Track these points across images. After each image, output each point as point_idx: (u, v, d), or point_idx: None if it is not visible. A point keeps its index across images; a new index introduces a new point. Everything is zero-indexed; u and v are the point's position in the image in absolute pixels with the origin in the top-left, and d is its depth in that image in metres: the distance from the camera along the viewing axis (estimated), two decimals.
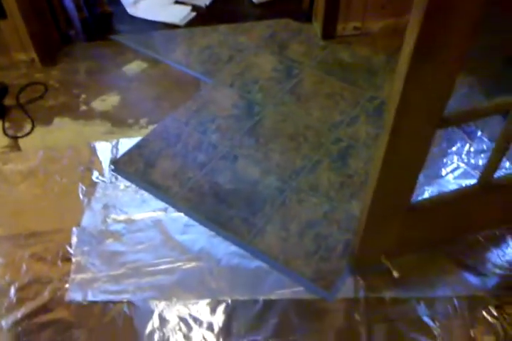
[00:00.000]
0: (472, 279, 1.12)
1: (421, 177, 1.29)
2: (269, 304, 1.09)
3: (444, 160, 1.38)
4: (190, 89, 1.62)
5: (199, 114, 1.53)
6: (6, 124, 1.51)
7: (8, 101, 1.57)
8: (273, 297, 1.10)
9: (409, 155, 0.79)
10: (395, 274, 1.04)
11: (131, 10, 1.92)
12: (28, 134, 1.49)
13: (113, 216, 1.26)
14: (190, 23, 1.90)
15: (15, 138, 1.47)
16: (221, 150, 1.41)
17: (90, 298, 1.10)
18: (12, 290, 1.12)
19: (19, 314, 1.08)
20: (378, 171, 0.78)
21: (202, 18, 1.92)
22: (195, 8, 1.96)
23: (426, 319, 1.06)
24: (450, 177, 1.35)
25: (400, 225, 0.96)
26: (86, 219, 1.25)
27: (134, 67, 1.70)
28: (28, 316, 1.08)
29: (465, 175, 1.34)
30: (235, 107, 1.55)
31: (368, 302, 1.09)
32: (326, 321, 1.05)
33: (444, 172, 1.36)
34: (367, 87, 1.58)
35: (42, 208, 1.29)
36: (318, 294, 1.11)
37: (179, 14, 1.90)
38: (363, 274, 1.13)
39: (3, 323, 1.06)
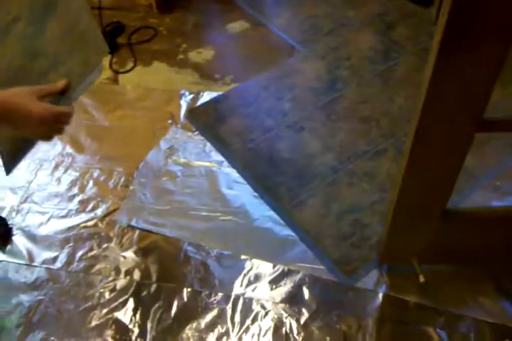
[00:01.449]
0: (509, 307, 0.98)
1: (491, 191, 1.16)
2: (286, 273, 1.09)
3: None
4: (282, 56, 1.60)
5: (281, 80, 1.51)
6: (114, 59, 1.66)
7: (121, 39, 1.71)
8: (292, 267, 1.09)
9: (438, 155, 0.69)
10: (421, 279, 0.97)
11: None
12: (128, 71, 1.61)
13: (174, 158, 1.34)
14: None
15: (117, 72, 1.61)
16: (289, 119, 1.39)
17: (133, 223, 1.20)
18: (75, 201, 1.27)
19: (75, 221, 1.23)
20: (404, 166, 0.71)
21: None
22: None
23: (441, 333, 0.97)
24: None
25: (433, 230, 0.87)
26: (151, 155, 1.35)
27: (237, 25, 1.72)
28: (82, 225, 1.22)
29: None
30: (318, 80, 1.50)
31: (385, 299, 1.03)
32: (336, 305, 1.02)
33: None
34: None
35: (119, 138, 1.42)
36: (337, 277, 1.07)
37: None
38: (389, 271, 1.06)
39: (62, 225, 1.22)
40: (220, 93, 1.49)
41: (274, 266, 1.10)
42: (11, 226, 1.23)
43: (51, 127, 0.69)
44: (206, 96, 1.49)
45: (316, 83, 1.49)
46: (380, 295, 1.02)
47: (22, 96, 0.65)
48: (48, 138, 0.71)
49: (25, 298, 1.09)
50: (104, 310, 1.06)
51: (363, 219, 1.15)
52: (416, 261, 0.97)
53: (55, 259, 1.15)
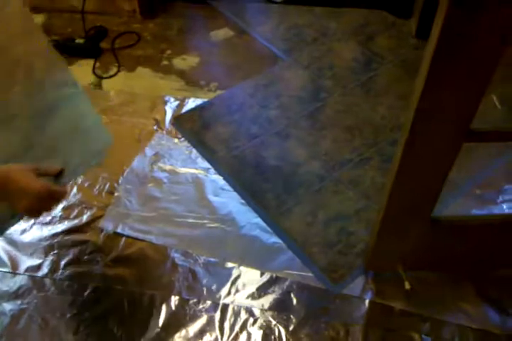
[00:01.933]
0: (492, 314, 1.03)
1: (471, 199, 1.21)
2: (274, 280, 1.10)
3: (506, 187, 1.26)
4: (266, 64, 1.62)
5: (266, 88, 1.53)
6: (97, 64, 1.63)
7: (105, 44, 1.69)
8: (280, 275, 1.10)
9: (427, 164, 0.72)
10: (407, 286, 1.00)
11: None
12: (112, 76, 1.60)
13: (160, 164, 1.33)
14: (288, 1, 1.87)
15: (100, 77, 1.59)
16: (275, 127, 1.41)
17: (119, 230, 1.19)
18: (59, 207, 1.24)
19: (60, 228, 1.20)
20: (394, 173, 0.73)
21: None
22: None
23: (426, 339, 1.00)
24: (505, 206, 1.23)
25: (419, 237, 0.90)
26: (137, 162, 1.34)
27: (221, 33, 1.73)
28: (66, 232, 1.19)
29: None
30: (302, 89, 1.53)
31: (372, 305, 1.05)
32: (323, 312, 1.04)
33: (500, 199, 1.24)
34: None
35: None
36: (324, 284, 1.09)
37: None
38: (375, 278, 1.09)
39: (45, 232, 1.19)
40: (206, 100, 1.50)
41: (261, 274, 1.11)
42: None
43: (44, 204, 0.71)
44: (191, 103, 1.49)
45: (300, 92, 1.52)
46: (367, 302, 1.05)
47: (22, 171, 0.68)
48: (37, 214, 0.73)
49: (8, 306, 1.06)
50: (90, 318, 1.04)
51: (348, 226, 1.18)
52: (401, 267, 1.00)
53: (39, 267, 1.13)
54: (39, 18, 1.81)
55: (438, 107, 0.62)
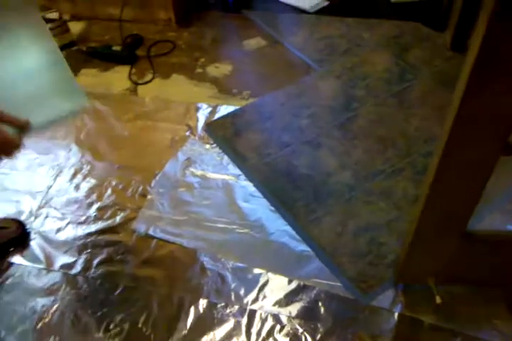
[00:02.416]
0: None
1: (507, 214, 1.20)
2: (302, 288, 1.12)
3: None
4: (298, 73, 1.66)
5: (298, 97, 1.57)
6: (133, 70, 1.71)
7: (141, 51, 1.78)
8: (308, 283, 1.12)
9: (463, 177, 0.73)
10: (438, 300, 1.00)
11: None
12: (147, 83, 1.67)
13: (192, 169, 1.38)
14: (320, 11, 1.92)
15: (136, 83, 1.67)
16: (307, 136, 1.45)
17: (150, 232, 1.23)
18: (94, 208, 1.31)
19: (93, 228, 1.26)
20: (429, 184, 0.75)
21: (333, 8, 1.93)
22: None
23: None
24: None
25: (452, 251, 0.91)
26: (169, 166, 1.39)
27: (253, 42, 1.79)
28: (100, 232, 1.25)
29: None
30: (334, 99, 1.56)
31: (401, 318, 1.06)
32: (351, 322, 1.05)
33: None
34: None
35: (138, 148, 1.46)
36: (353, 294, 1.11)
37: (311, 1, 1.94)
38: (405, 290, 1.10)
39: (80, 232, 1.25)
40: (238, 107, 1.55)
41: (289, 281, 1.13)
42: (29, 230, 1.26)
43: None
44: (223, 110, 1.55)
45: (332, 102, 1.55)
46: (396, 315, 1.06)
47: None
48: None
49: (41, 302, 1.12)
50: (120, 317, 1.08)
51: (379, 237, 1.19)
52: (433, 281, 1.01)
53: (72, 265, 1.18)
54: (79, 26, 1.92)
55: (476, 119, 0.63)
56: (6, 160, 0.71)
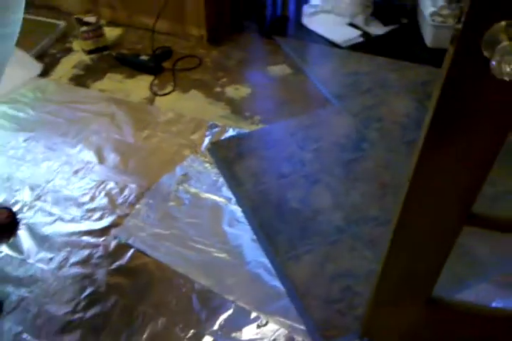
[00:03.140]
0: None
1: (497, 286, 1.17)
2: (264, 325, 1.13)
3: None
4: (314, 106, 1.70)
5: (308, 130, 1.61)
6: (155, 81, 1.81)
7: (167, 64, 1.87)
8: (271, 321, 1.13)
9: (421, 247, 0.73)
10: None
11: (306, 20, 2.08)
12: (165, 94, 1.76)
13: (186, 185, 1.44)
14: (353, 47, 1.97)
15: (155, 94, 1.76)
16: (307, 170, 1.47)
17: (130, 241, 1.28)
18: (84, 208, 1.38)
19: (78, 228, 1.33)
20: (388, 247, 0.75)
21: (367, 45, 1.98)
22: (365, 34, 2.03)
23: None
24: None
25: (416, 315, 0.90)
26: (165, 179, 1.45)
27: (277, 69, 1.86)
28: (83, 233, 1.31)
29: None
30: (345, 136, 1.59)
31: None
32: None
33: None
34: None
35: (141, 156, 1.53)
36: (315, 340, 1.11)
37: (345, 36, 1.99)
38: None
39: (65, 229, 1.32)
40: (246, 131, 1.60)
41: (254, 315, 1.14)
42: (18, 220, 1.33)
43: None
44: (231, 132, 1.60)
45: (342, 139, 1.58)
46: None
47: None
48: None
49: (13, 291, 1.18)
50: (80, 319, 1.12)
51: (355, 286, 1.19)
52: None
53: (50, 260, 1.24)
54: (116, 32, 2.05)
55: (433, 187, 0.64)
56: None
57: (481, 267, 1.22)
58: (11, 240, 1.29)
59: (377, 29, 2.03)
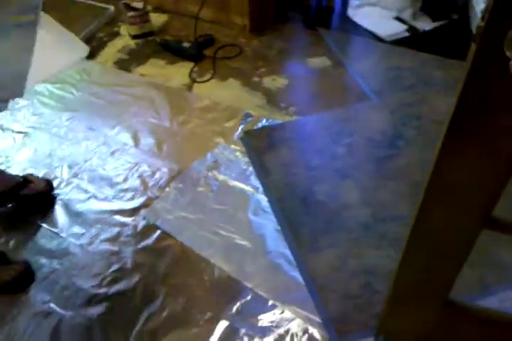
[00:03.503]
0: None
1: None
2: (280, 313, 1.13)
3: None
4: (351, 100, 1.67)
5: (344, 123, 1.58)
6: (195, 68, 1.83)
7: (208, 52, 1.89)
8: (288, 310, 1.13)
9: (438, 249, 0.70)
10: None
11: (351, 12, 2.03)
12: (204, 82, 1.77)
13: (215, 172, 1.45)
14: (397, 41, 1.91)
15: (194, 81, 1.78)
16: (337, 164, 1.45)
17: (158, 223, 1.32)
18: (117, 188, 1.42)
19: (110, 207, 1.37)
20: (406, 246, 0.72)
21: (412, 40, 1.90)
22: (411, 29, 1.95)
23: None
24: None
25: (432, 318, 0.87)
26: (196, 164, 1.47)
27: (317, 61, 1.82)
28: (114, 212, 1.36)
29: None
30: (380, 133, 1.54)
31: None
32: None
33: None
34: None
35: (175, 141, 1.56)
36: (329, 334, 1.10)
37: (391, 30, 1.93)
38: None
39: (97, 207, 1.37)
40: (280, 122, 1.59)
41: (271, 304, 1.14)
42: (55, 195, 1.40)
43: None
44: (265, 122, 1.60)
45: (377, 135, 1.53)
46: None
47: None
48: None
49: (45, 262, 1.24)
50: (105, 294, 1.17)
51: (376, 284, 1.16)
52: None
53: (81, 235, 1.30)
54: (162, 18, 2.08)
55: (453, 186, 0.61)
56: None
57: (508, 273, 1.16)
58: (47, 214, 1.36)
59: (425, 24, 1.95)
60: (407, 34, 1.93)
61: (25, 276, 1.18)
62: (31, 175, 1.41)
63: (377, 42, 1.90)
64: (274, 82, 1.75)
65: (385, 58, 1.83)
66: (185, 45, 1.85)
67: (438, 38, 1.91)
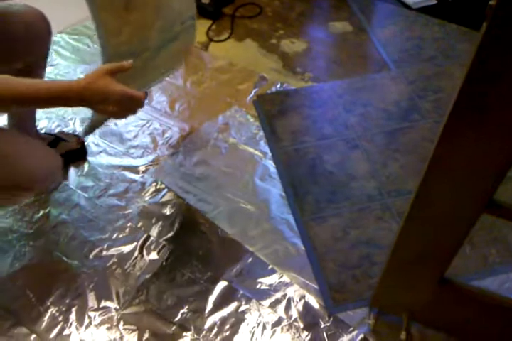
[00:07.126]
0: None
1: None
2: (279, 278, 1.06)
3: None
4: (370, 68, 1.51)
5: (358, 93, 1.43)
6: (213, 26, 1.66)
7: (227, 10, 1.70)
8: (286, 275, 1.07)
9: (435, 227, 0.63)
10: (402, 336, 0.90)
11: None
12: (221, 41, 1.61)
13: (225, 135, 1.34)
14: (424, 9, 1.70)
15: (211, 40, 1.61)
16: (348, 134, 1.33)
17: (165, 181, 1.23)
18: (127, 144, 1.33)
19: (120, 162, 1.29)
20: (404, 220, 0.65)
21: (440, 9, 1.69)
22: None
23: None
24: None
25: (427, 294, 0.80)
26: (206, 126, 1.36)
27: (339, 25, 1.64)
28: (124, 167, 1.28)
29: None
30: (395, 104, 1.40)
31: (361, 340, 0.98)
32: (311, 327, 0.99)
33: None
34: None
35: (187, 100, 1.44)
36: (324, 301, 1.04)
37: None
38: (378, 316, 1.00)
39: (107, 161, 1.28)
40: (294, 87, 1.45)
41: (270, 268, 1.08)
42: (86, 149, 1.30)
43: (126, 107, 0.75)
44: (279, 87, 1.46)
45: (392, 106, 1.39)
46: (356, 335, 0.98)
47: (98, 78, 0.71)
48: (121, 117, 0.78)
49: (52, 211, 1.18)
50: (109, 248, 1.11)
51: (375, 256, 1.09)
52: (406, 315, 0.91)
53: (89, 188, 1.22)
54: None
55: (453, 163, 0.54)
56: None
57: (510, 253, 1.08)
58: (82, 166, 1.27)
59: None
60: (434, 2, 1.71)
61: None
62: (62, 132, 1.31)
63: (403, 9, 1.70)
64: (293, 45, 1.59)
65: (408, 27, 1.64)
66: (204, 1, 1.67)
67: (468, 8, 1.69)
